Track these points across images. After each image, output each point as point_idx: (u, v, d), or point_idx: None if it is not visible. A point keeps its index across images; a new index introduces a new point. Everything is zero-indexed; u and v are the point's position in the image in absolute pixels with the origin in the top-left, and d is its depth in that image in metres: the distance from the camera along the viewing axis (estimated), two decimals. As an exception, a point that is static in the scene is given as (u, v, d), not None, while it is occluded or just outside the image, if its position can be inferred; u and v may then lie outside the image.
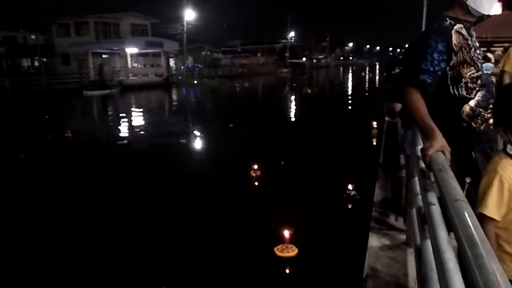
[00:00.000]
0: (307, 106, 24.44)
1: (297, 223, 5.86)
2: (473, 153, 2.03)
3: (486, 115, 2.03)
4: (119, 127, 17.69)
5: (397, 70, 5.31)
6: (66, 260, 5.18)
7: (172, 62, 49.32)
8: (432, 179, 1.54)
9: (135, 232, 5.98)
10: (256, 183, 8.37)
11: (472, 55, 2.01)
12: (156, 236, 5.85)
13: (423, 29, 2.80)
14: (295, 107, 25.09)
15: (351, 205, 6.83)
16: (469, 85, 2.02)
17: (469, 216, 0.99)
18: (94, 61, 37.59)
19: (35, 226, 6.35)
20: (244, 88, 41.74)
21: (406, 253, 2.97)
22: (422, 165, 1.71)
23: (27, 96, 27.35)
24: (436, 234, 1.23)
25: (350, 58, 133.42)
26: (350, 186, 7.13)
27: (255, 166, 8.71)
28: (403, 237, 3.22)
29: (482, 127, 2.04)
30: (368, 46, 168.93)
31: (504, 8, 20.87)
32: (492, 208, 1.50)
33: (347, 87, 40.88)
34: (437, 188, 1.42)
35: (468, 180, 1.88)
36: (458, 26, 1.99)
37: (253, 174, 8.56)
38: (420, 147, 1.94)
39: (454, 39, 1.97)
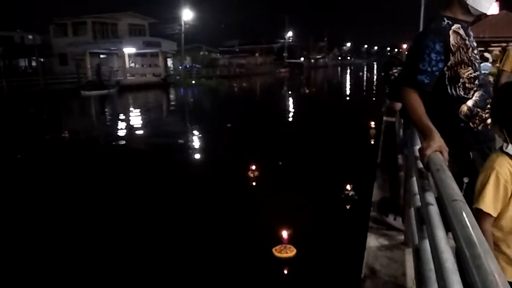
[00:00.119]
0: (305, 106, 24.45)
1: (296, 224, 5.86)
2: (471, 153, 2.03)
3: (483, 115, 2.03)
4: (117, 127, 17.66)
5: (394, 70, 5.33)
6: (65, 260, 5.17)
7: (170, 62, 49.26)
8: (430, 179, 1.54)
9: (134, 233, 5.97)
10: (254, 184, 8.36)
11: (470, 55, 2.01)
12: (155, 237, 5.84)
13: (421, 29, 2.80)
14: (293, 107, 25.10)
15: (349, 205, 6.84)
16: (466, 85, 2.02)
17: (467, 216, 1.00)
18: (91, 61, 37.55)
19: (33, 226, 6.34)
20: (242, 88, 41.74)
21: (404, 253, 2.97)
22: (420, 165, 1.72)
23: (25, 96, 27.28)
24: (434, 234, 1.23)
25: (348, 58, 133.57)
26: (348, 186, 7.13)
27: (253, 167, 8.71)
28: (401, 237, 3.23)
29: (480, 127, 2.04)
30: (366, 46, 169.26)
31: (501, 7, 20.94)
32: (489, 203, 1.52)
33: (345, 87, 40.94)
34: (435, 188, 1.42)
35: (466, 180, 1.89)
36: (455, 26, 1.99)
37: (251, 175, 8.56)
38: (418, 147, 1.94)
39: (452, 39, 1.97)
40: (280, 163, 9.79)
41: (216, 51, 68.07)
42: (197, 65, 52.41)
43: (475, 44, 2.08)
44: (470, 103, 2.04)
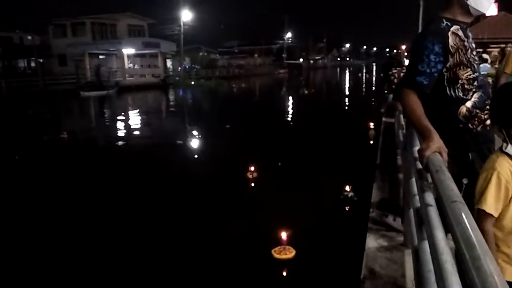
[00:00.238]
0: (304, 107, 24.45)
1: (295, 225, 5.85)
2: (470, 154, 2.04)
3: (482, 116, 2.04)
4: (116, 128, 17.64)
5: (394, 71, 5.34)
6: (62, 260, 5.17)
7: (169, 63, 49.26)
8: (429, 180, 1.54)
9: (132, 234, 5.96)
10: (253, 184, 8.36)
11: (469, 56, 2.01)
12: (153, 238, 5.83)
13: (420, 30, 2.80)
14: (292, 108, 25.10)
15: (348, 206, 6.83)
16: (465, 86, 2.02)
17: (466, 217, 1.00)
18: (90, 62, 37.53)
19: (31, 227, 6.33)
20: (241, 89, 41.74)
21: (404, 254, 2.97)
22: (420, 166, 1.72)
23: (24, 97, 27.26)
24: (434, 235, 1.23)
25: (347, 59, 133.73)
26: (347, 187, 7.13)
27: (252, 168, 8.70)
28: (400, 238, 3.23)
29: (479, 128, 2.04)
30: (365, 47, 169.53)
31: (500, 9, 21.01)
32: (491, 204, 1.53)
33: (344, 88, 40.96)
34: (434, 189, 1.42)
35: (465, 181, 1.89)
36: (454, 28, 1.99)
37: (250, 176, 8.55)
38: (417, 148, 1.94)
39: (451, 40, 1.97)
40: (279, 164, 9.79)
41: (215, 52, 68.14)
42: (196, 66, 52.43)
43: (474, 45, 2.09)
44: (469, 104, 2.04)
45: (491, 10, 18.21)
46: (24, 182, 8.75)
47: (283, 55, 76.13)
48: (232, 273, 4.86)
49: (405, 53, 16.84)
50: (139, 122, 19.50)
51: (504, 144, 1.60)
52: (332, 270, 4.73)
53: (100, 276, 4.87)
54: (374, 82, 44.73)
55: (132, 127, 17.94)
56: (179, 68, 46.55)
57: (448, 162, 1.62)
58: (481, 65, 6.12)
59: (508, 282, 1.46)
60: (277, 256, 5.09)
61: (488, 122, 2.01)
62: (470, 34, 2.07)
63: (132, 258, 5.24)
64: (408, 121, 3.36)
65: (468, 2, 1.98)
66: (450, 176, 1.31)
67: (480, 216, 1.54)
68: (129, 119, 20.40)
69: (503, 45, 9.28)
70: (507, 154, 1.58)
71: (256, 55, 73.78)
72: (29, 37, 39.08)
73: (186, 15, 44.77)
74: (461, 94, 2.03)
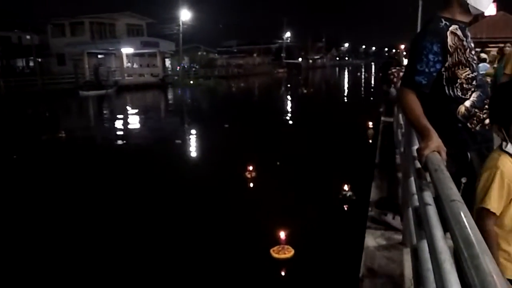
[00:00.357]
0: (303, 106, 24.46)
1: (293, 224, 5.85)
2: (468, 154, 2.04)
3: (481, 115, 2.04)
4: (114, 128, 17.63)
5: (393, 70, 5.34)
6: (62, 260, 5.16)
7: (168, 62, 49.23)
8: (428, 179, 1.54)
9: (130, 233, 5.95)
10: (252, 184, 8.36)
11: (467, 56, 2.01)
12: (152, 238, 5.83)
13: (419, 29, 2.81)
14: (291, 108, 25.10)
15: (347, 205, 6.84)
16: (464, 86, 2.03)
17: (465, 216, 1.00)
18: (89, 61, 37.48)
19: (28, 227, 6.32)
20: (240, 89, 41.73)
21: (403, 253, 2.97)
22: (418, 165, 1.72)
23: (22, 96, 27.21)
24: (432, 234, 1.23)
25: (346, 58, 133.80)
26: (346, 187, 7.13)
27: (251, 167, 8.70)
28: (399, 237, 3.23)
29: (477, 128, 2.04)
30: (363, 47, 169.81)
31: (499, 8, 21.04)
32: (495, 202, 1.54)
33: (343, 87, 40.98)
34: (433, 188, 1.42)
35: (464, 180, 1.89)
36: (453, 27, 2.00)
37: (249, 175, 8.55)
38: (415, 147, 1.94)
39: (450, 40, 1.98)
40: (278, 163, 9.79)
41: (214, 51, 68.08)
42: (195, 66, 52.38)
43: (472, 45, 2.09)
44: (467, 103, 2.04)
45: (490, 9, 18.26)
46: (21, 182, 8.73)
47: (282, 55, 76.12)
48: (230, 272, 4.86)
49: (404, 53, 16.85)
50: (138, 121, 19.48)
51: (504, 143, 1.60)
52: (331, 269, 4.74)
53: (98, 275, 4.87)
54: (372, 81, 44.75)
55: (130, 126, 17.94)
56: (178, 67, 46.49)
57: (446, 161, 1.62)
58: (480, 65, 6.13)
59: (510, 281, 1.47)
60: (275, 255, 5.09)
61: (487, 121, 2.01)
62: (469, 34, 2.07)
63: (131, 258, 5.24)
64: (407, 120, 3.37)
65: (467, 1, 1.98)
66: (449, 175, 1.31)
67: (482, 215, 1.54)
68: (128, 118, 20.38)
69: (501, 45, 9.29)
70: (508, 153, 1.58)
71: (255, 55, 73.80)
72: (28, 37, 38.97)
73: (185, 15, 44.72)
74: (459, 94, 2.03)
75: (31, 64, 41.40)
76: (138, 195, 7.64)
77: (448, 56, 1.98)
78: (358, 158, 8.98)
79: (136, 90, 34.86)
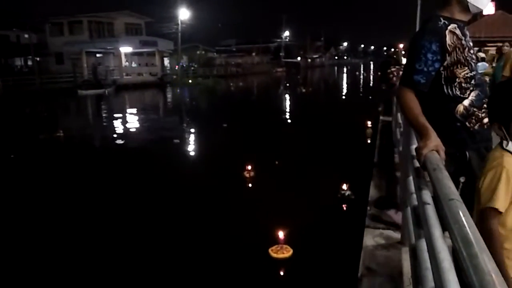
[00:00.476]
0: (302, 106, 24.46)
1: (292, 224, 5.84)
2: (467, 153, 2.04)
3: (480, 114, 2.04)
4: (113, 127, 17.61)
5: (393, 69, 5.33)
6: (61, 260, 5.16)
7: (166, 61, 49.16)
8: (427, 178, 1.54)
9: (129, 233, 5.95)
10: (250, 184, 8.35)
11: (466, 55, 2.01)
12: (151, 238, 5.83)
13: (417, 28, 2.80)
14: (289, 107, 25.10)
15: (346, 204, 6.84)
16: (463, 85, 2.03)
17: (464, 215, 1.00)
18: (88, 60, 37.41)
19: (26, 226, 6.31)
20: (238, 88, 41.71)
21: (401, 252, 2.97)
22: (417, 164, 1.71)
23: (20, 95, 27.15)
24: (431, 233, 1.23)
25: (345, 57, 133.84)
26: (344, 186, 7.14)
27: (249, 166, 8.69)
28: (398, 236, 3.23)
29: (476, 127, 2.04)
30: (362, 46, 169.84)
31: (497, 8, 21.06)
32: (502, 202, 1.53)
33: (342, 86, 40.99)
34: (431, 188, 1.42)
35: (462, 179, 1.89)
36: (452, 26, 1.99)
37: (247, 175, 8.54)
38: (414, 146, 1.94)
39: (448, 39, 1.97)
40: (277, 162, 9.79)
41: (213, 51, 67.99)
42: (193, 65, 52.31)
43: (471, 43, 2.09)
44: (466, 102, 2.04)
45: (489, 8, 18.27)
46: (19, 181, 8.72)
47: (281, 54, 76.13)
48: (229, 272, 4.86)
49: (403, 52, 16.86)
50: (137, 120, 19.45)
51: (505, 142, 1.59)
52: (330, 269, 4.74)
53: (97, 275, 4.86)
54: (371, 80, 44.77)
55: (129, 125, 17.91)
56: (177, 66, 46.42)
57: (445, 160, 1.62)
58: (479, 64, 6.14)
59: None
60: (274, 255, 5.09)
61: (486, 120, 2.01)
62: (467, 33, 2.07)
63: (130, 257, 5.24)
64: (405, 119, 3.38)
65: (467, -1, 1.98)
66: (448, 175, 1.31)
67: (490, 215, 1.53)
68: (126, 117, 20.36)
69: (500, 44, 9.31)
70: (509, 152, 1.58)
71: (253, 54, 73.71)
72: (26, 36, 38.85)
73: (184, 14, 44.67)
74: (458, 93, 2.03)
75: (30, 63, 41.26)
76: (137, 195, 7.63)
77: (447, 55, 1.98)
78: (356, 157, 8.99)
79: (135, 89, 34.82)
